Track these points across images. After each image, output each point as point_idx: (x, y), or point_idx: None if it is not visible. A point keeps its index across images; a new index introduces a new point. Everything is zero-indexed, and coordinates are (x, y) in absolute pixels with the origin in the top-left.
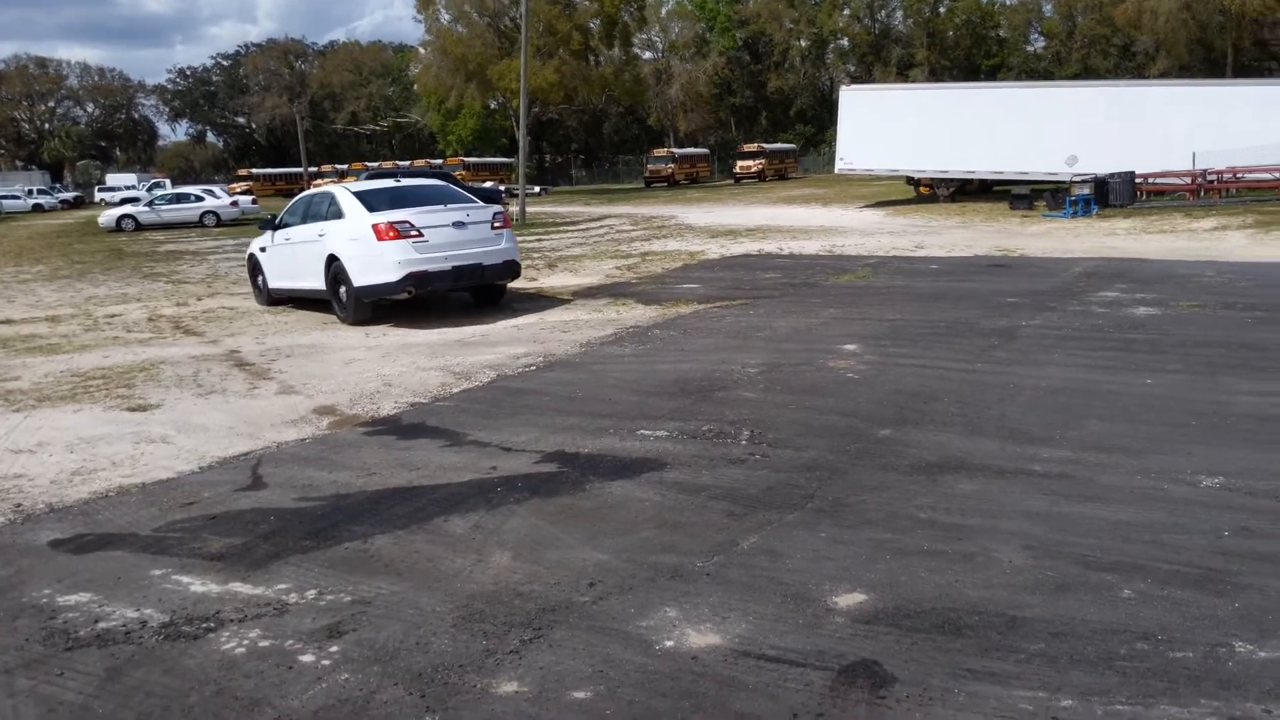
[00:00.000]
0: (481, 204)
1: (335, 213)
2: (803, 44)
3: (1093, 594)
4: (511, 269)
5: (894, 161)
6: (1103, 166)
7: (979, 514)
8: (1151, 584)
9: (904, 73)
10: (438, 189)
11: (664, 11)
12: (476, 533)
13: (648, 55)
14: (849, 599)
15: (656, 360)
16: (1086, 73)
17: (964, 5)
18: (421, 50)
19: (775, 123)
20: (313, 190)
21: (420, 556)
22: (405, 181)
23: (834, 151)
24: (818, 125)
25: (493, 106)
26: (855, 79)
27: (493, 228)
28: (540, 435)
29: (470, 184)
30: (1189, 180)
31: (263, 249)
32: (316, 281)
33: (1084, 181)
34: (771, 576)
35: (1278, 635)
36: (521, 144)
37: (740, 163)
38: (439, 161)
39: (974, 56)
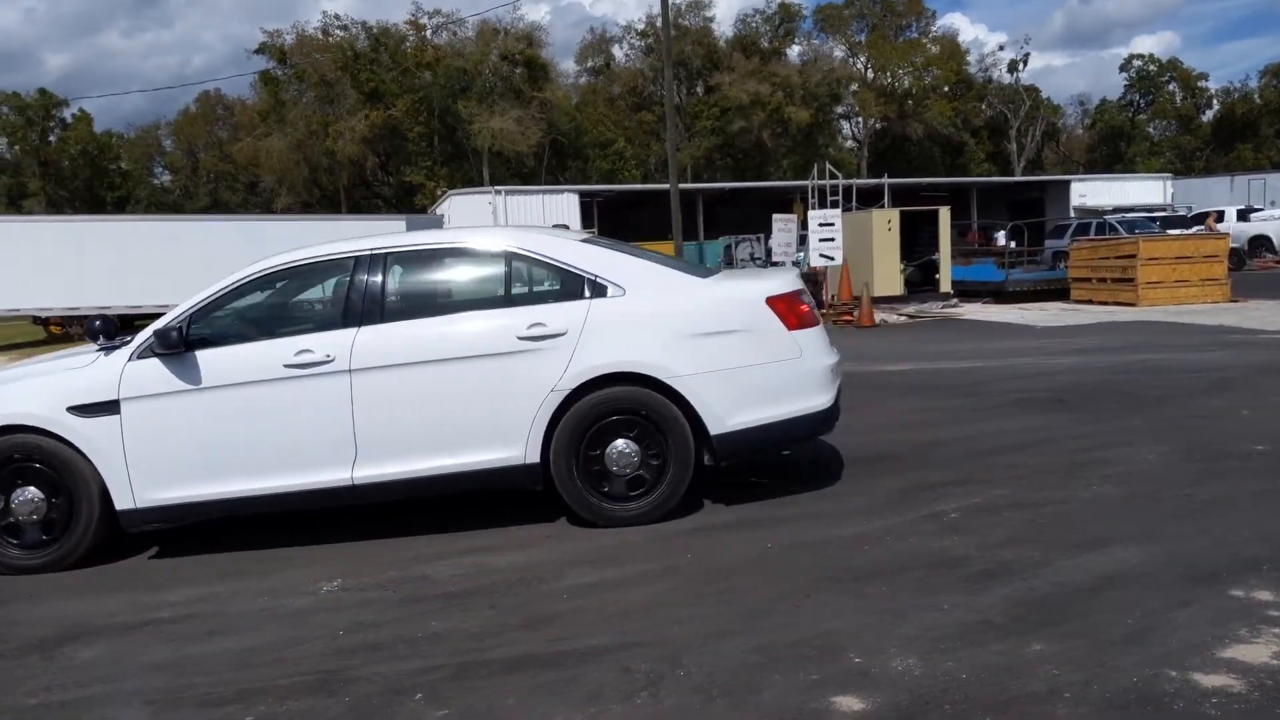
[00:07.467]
0: None
1: (565, 286)
2: None
3: None
4: None
5: (13, 300)
6: None
7: (99, 681)
8: (273, 703)
9: (17, 204)
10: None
11: None
12: None
13: None
14: None
15: None
16: (216, 206)
17: (76, 135)
18: None
19: None
20: (338, 250)
21: None
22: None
23: None
24: None
25: None
26: None
27: None
28: None
29: None
30: None
31: (95, 404)
32: (494, 447)
33: None
34: None
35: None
36: None
37: None
38: None
39: (96, 188)
